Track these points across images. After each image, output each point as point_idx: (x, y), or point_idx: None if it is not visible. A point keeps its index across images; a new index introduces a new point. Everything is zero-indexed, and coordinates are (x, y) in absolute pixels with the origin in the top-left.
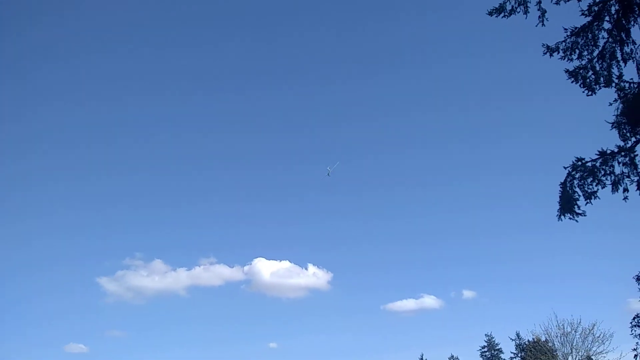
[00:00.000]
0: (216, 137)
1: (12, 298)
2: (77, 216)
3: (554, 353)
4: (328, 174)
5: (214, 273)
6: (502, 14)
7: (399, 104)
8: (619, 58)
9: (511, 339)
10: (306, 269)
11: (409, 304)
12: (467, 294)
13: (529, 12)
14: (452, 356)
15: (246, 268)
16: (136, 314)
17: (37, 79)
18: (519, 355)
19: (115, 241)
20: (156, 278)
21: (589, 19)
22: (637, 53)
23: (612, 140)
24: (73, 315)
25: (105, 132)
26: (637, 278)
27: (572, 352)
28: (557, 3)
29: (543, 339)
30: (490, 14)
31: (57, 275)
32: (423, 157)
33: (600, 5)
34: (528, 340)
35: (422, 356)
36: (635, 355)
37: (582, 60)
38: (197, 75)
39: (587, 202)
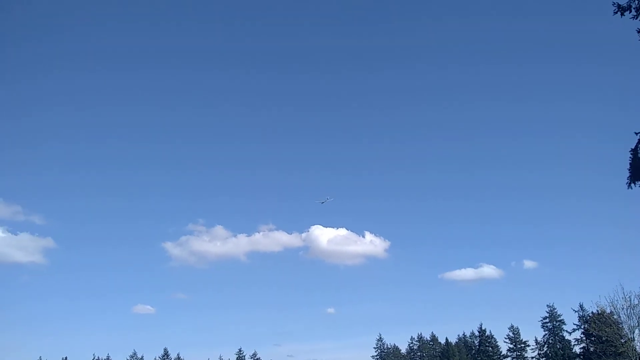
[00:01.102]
0: (275, 111)
1: (85, 263)
2: (142, 183)
3: (620, 326)
4: (322, 202)
5: (273, 239)
6: None
7: None
8: None
9: (574, 310)
10: (363, 236)
11: (467, 273)
12: (529, 264)
13: None
14: (512, 326)
15: (304, 235)
16: (199, 277)
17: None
18: (582, 327)
19: (178, 207)
20: (218, 243)
21: None
22: None
23: None
24: (141, 278)
25: (173, 101)
26: None
27: (638, 325)
28: None
29: (608, 311)
30: None
31: (125, 241)
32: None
33: None
34: (592, 312)
35: (481, 326)
36: None
37: None
38: None
39: None
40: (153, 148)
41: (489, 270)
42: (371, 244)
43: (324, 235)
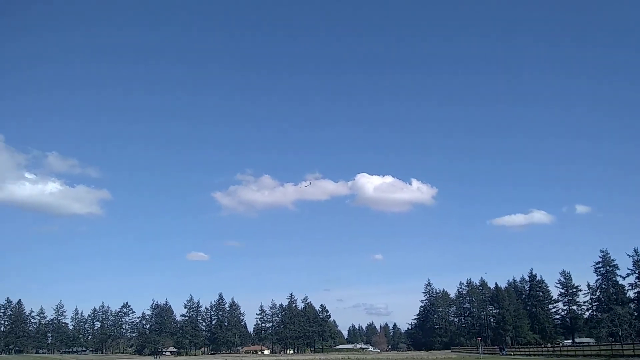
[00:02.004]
0: (319, 69)
1: (140, 214)
2: (191, 135)
3: None
4: (306, 186)
5: (320, 188)
6: None
7: None
8: None
9: (628, 255)
10: (410, 183)
11: (517, 218)
12: (581, 208)
13: None
14: (564, 272)
15: (350, 183)
16: (249, 225)
17: None
18: (637, 272)
19: (226, 158)
20: (266, 192)
21: None
22: None
23: None
24: (193, 227)
25: (226, 59)
26: None
27: None
28: None
29: None
30: None
31: (177, 192)
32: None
33: None
34: None
35: (531, 271)
36: None
37: None
38: None
39: None
40: (202, 101)
41: (539, 216)
42: (418, 190)
43: (370, 183)
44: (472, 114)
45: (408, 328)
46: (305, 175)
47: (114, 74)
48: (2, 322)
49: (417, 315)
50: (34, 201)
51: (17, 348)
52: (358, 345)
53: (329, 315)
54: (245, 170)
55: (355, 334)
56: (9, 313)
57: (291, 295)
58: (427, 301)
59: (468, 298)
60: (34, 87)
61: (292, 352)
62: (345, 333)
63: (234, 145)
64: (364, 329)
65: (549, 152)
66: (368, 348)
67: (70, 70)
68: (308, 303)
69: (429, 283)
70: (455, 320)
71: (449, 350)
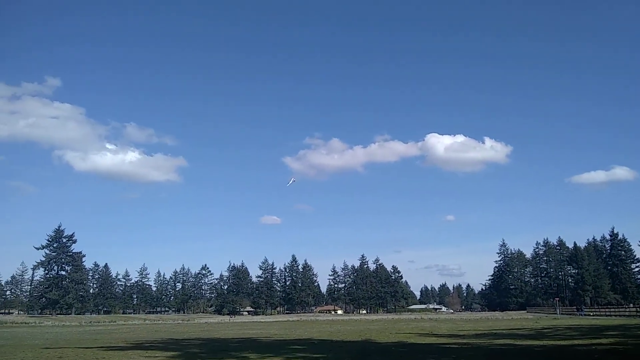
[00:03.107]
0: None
1: (215, 179)
2: (259, 101)
3: None
4: (288, 184)
5: (389, 149)
6: None
7: None
8: None
9: None
10: (482, 142)
11: (597, 176)
12: None
13: None
14: None
15: (420, 144)
16: (319, 189)
17: None
18: None
19: (295, 123)
20: (335, 156)
21: None
22: None
23: None
24: (265, 191)
25: (289, 20)
26: None
27: None
28: None
29: None
30: None
31: (248, 158)
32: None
33: None
34: None
35: (612, 230)
36: None
37: None
38: None
39: None
40: (268, 66)
41: (621, 172)
42: (492, 149)
43: (440, 143)
44: (549, 76)
45: (482, 289)
46: (374, 137)
47: (186, 31)
48: (91, 284)
49: (492, 275)
50: (116, 170)
51: (105, 309)
52: (431, 306)
53: (401, 276)
54: (314, 134)
55: (427, 295)
56: (97, 276)
57: (362, 256)
58: (501, 261)
59: (545, 258)
60: (110, 63)
61: (364, 312)
62: (417, 294)
63: (302, 109)
64: (437, 289)
65: (631, 106)
66: (441, 309)
67: (141, 49)
68: (379, 264)
69: (504, 243)
70: (532, 280)
71: (525, 311)
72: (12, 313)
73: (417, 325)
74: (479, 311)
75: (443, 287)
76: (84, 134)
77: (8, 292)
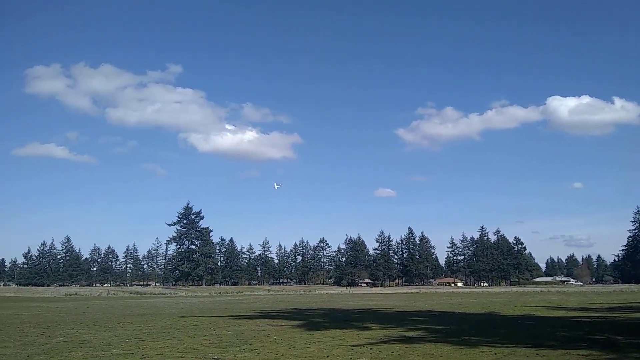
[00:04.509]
0: None
1: (329, 154)
2: (366, 74)
3: None
4: (275, 187)
5: (508, 115)
6: None
7: None
8: None
9: None
10: (612, 102)
11: None
12: None
13: None
14: None
15: (541, 108)
16: (434, 160)
17: None
18: None
19: (405, 93)
20: (449, 125)
21: None
22: None
23: None
24: (380, 164)
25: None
26: None
27: None
28: None
29: None
30: None
31: (361, 132)
32: None
33: None
34: None
35: None
36: None
37: None
38: None
39: None
40: (370, 45)
41: None
42: (622, 110)
43: (563, 106)
44: None
45: (614, 260)
46: (491, 103)
47: (292, 19)
48: (219, 257)
49: (625, 246)
50: (235, 149)
51: (232, 280)
52: (558, 278)
53: (524, 247)
54: (427, 103)
55: (554, 267)
56: (223, 250)
57: (482, 227)
58: (636, 231)
59: None
60: (226, 49)
61: (486, 284)
62: (542, 266)
63: (412, 79)
64: (564, 261)
65: None
66: (569, 281)
67: (251, 37)
68: (501, 235)
69: (638, 211)
70: None
71: None
72: (149, 285)
73: (543, 298)
74: (611, 283)
75: (571, 258)
76: (205, 117)
77: (145, 266)
